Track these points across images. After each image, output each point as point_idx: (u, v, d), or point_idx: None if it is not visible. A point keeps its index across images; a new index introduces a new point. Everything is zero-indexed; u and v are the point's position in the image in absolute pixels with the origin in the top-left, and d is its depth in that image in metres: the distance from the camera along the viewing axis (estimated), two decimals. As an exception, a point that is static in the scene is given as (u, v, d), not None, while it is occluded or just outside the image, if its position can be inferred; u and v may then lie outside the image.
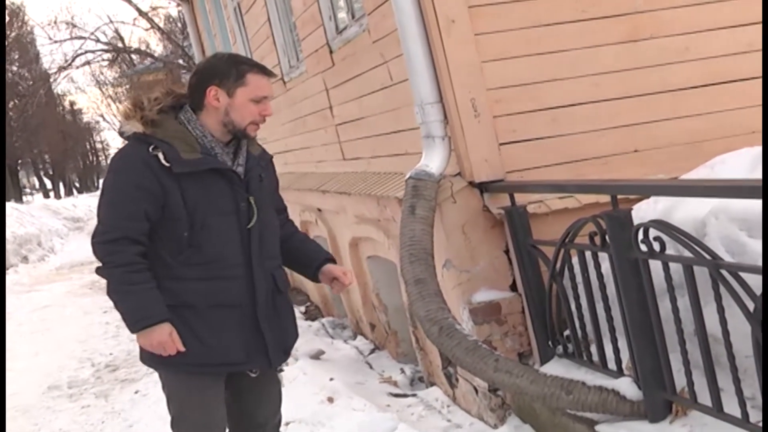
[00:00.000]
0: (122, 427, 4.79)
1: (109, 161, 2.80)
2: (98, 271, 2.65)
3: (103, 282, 2.68)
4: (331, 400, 4.46)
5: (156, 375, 5.37)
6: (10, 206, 18.49)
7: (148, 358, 2.76)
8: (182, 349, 2.60)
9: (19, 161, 38.73)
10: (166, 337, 2.58)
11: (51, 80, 29.53)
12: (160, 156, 2.56)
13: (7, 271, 13.76)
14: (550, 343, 3.58)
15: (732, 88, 3.87)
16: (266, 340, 2.74)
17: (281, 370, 2.88)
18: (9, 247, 14.77)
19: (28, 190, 47.55)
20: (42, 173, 47.75)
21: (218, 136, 2.68)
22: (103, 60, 25.54)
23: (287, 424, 4.05)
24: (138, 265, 2.58)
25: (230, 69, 2.65)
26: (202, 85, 2.66)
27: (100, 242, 2.61)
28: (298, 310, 7.28)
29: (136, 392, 5.42)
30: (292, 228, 3.02)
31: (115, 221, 2.59)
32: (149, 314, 2.57)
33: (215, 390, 2.77)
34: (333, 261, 2.96)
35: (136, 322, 2.59)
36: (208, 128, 2.67)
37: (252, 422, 2.91)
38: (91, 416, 5.11)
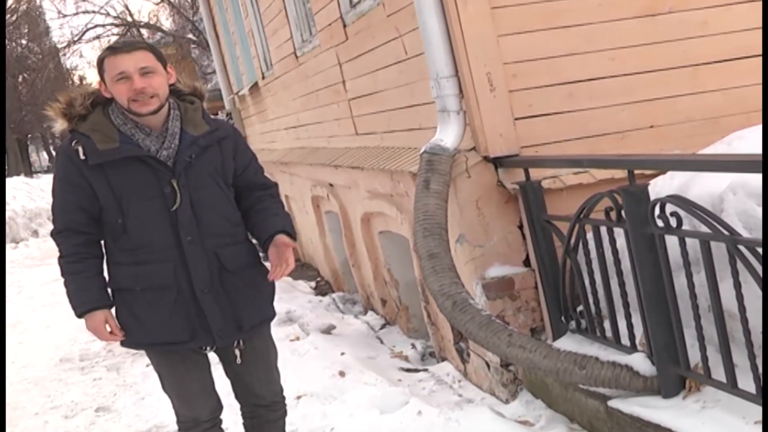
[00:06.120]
0: (134, 399, 4.83)
1: None
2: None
3: None
4: (342, 374, 4.47)
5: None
6: (21, 180, 18.59)
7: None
8: (118, 335, 2.74)
9: (29, 136, 38.81)
10: (97, 324, 2.73)
11: (60, 54, 29.50)
12: (79, 150, 2.66)
13: (17, 245, 13.84)
14: (563, 318, 3.58)
15: (751, 63, 3.83)
16: (208, 319, 2.74)
17: (238, 347, 2.84)
18: (19, 221, 14.84)
19: (38, 165, 47.69)
20: (51, 148, 47.83)
21: (138, 121, 2.70)
22: (113, 35, 25.48)
23: (299, 397, 4.07)
24: (78, 255, 2.71)
25: (98, 63, 2.76)
26: None
27: (52, 234, 2.79)
28: (309, 285, 7.28)
29: (148, 365, 5.41)
30: (260, 202, 2.89)
31: (57, 214, 2.76)
32: (82, 302, 2.73)
33: (187, 365, 2.83)
34: (289, 235, 2.81)
35: (74, 309, 2.76)
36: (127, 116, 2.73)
37: (249, 393, 2.99)
38: (103, 388, 5.14)
